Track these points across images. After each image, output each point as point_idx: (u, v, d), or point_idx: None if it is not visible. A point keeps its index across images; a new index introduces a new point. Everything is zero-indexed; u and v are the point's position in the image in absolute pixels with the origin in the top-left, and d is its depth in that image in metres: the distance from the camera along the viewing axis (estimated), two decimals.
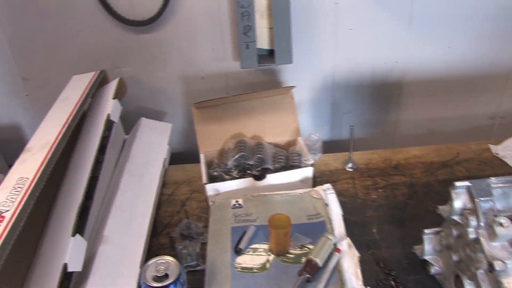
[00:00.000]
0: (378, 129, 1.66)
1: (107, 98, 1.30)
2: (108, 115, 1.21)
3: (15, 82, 1.55)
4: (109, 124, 1.23)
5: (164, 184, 1.41)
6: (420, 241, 1.09)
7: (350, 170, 1.41)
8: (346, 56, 1.50)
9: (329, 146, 1.37)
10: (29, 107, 1.60)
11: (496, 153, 1.42)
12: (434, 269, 1.05)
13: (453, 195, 0.94)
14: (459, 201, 0.94)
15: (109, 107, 1.24)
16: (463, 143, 1.49)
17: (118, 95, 1.33)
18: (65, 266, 0.90)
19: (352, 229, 1.15)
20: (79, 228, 1.01)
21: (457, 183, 0.93)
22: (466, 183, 0.93)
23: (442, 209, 1.00)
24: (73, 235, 0.95)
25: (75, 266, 0.93)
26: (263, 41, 1.39)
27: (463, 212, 0.94)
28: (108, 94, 1.31)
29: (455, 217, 0.95)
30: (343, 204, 1.19)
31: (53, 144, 1.08)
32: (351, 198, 1.32)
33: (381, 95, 1.59)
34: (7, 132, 1.65)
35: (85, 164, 1.12)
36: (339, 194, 1.24)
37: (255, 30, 1.34)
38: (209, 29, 1.44)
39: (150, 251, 1.19)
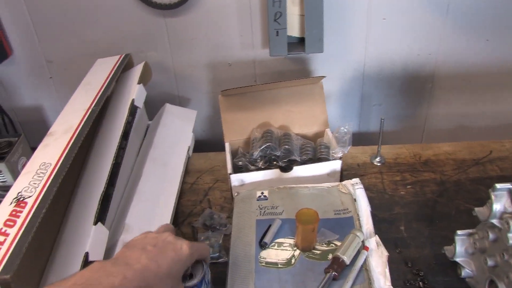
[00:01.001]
0: (407, 123, 1.61)
1: (131, 83, 1.27)
2: (133, 101, 1.19)
3: (39, 65, 1.53)
4: (133, 109, 1.20)
5: (186, 172, 1.39)
6: (450, 242, 1.06)
7: (378, 164, 1.37)
8: (378, 46, 1.45)
9: (356, 138, 1.33)
10: (53, 89, 1.59)
11: None
12: (465, 272, 1.01)
13: (493, 197, 0.89)
14: (499, 204, 0.89)
15: (134, 92, 1.22)
16: (497, 140, 1.44)
17: (143, 80, 1.30)
18: (86, 255, 0.88)
19: (380, 226, 1.11)
20: (101, 216, 0.99)
21: (498, 185, 0.88)
22: (508, 185, 0.88)
23: (479, 211, 0.96)
24: (95, 223, 0.93)
25: (96, 255, 0.92)
26: (293, 29, 1.34)
27: (503, 216, 0.89)
28: (133, 79, 1.28)
29: (494, 221, 0.90)
30: (370, 200, 1.15)
31: (76, 129, 1.05)
32: (378, 193, 1.28)
33: (412, 88, 1.54)
34: (30, 114, 1.64)
35: (109, 150, 1.09)
36: (367, 188, 1.20)
37: (286, 17, 1.29)
38: (238, 15, 1.40)
39: None
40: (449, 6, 1.37)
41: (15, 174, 1.29)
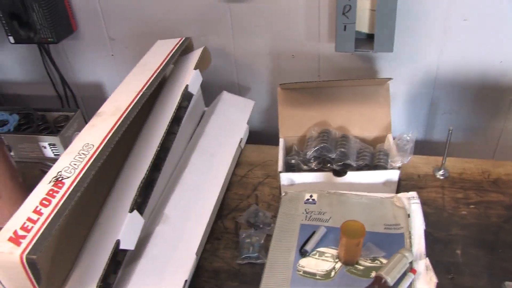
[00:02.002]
0: (478, 136, 1.49)
1: (188, 68, 1.23)
2: (187, 86, 1.15)
3: (102, 41, 1.53)
4: (187, 95, 1.17)
5: (238, 164, 1.35)
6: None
7: (441, 178, 1.27)
8: (455, 50, 1.33)
9: (419, 147, 1.24)
10: (114, 67, 1.59)
11: None
12: None
13: None
14: None
15: (189, 77, 1.18)
16: None
17: (201, 65, 1.26)
18: (117, 243, 0.86)
19: (433, 246, 1.02)
20: (141, 203, 0.96)
21: None
22: None
23: None
24: (131, 211, 0.91)
25: (128, 244, 0.89)
26: (363, 24, 1.26)
27: None
28: (190, 63, 1.24)
29: None
30: (427, 216, 1.06)
31: (125, 111, 1.03)
32: (437, 210, 1.18)
33: (490, 98, 1.41)
34: (92, 90, 1.66)
35: (156, 135, 1.06)
36: (424, 203, 1.11)
37: (355, 11, 1.21)
38: (305, 4, 1.33)
39: (212, 234, 1.14)
40: None
41: None
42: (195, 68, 1.21)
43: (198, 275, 1.05)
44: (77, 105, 1.67)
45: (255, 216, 1.16)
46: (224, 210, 1.21)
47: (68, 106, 1.66)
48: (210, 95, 1.43)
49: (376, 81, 1.26)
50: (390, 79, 1.23)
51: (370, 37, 1.27)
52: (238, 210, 1.21)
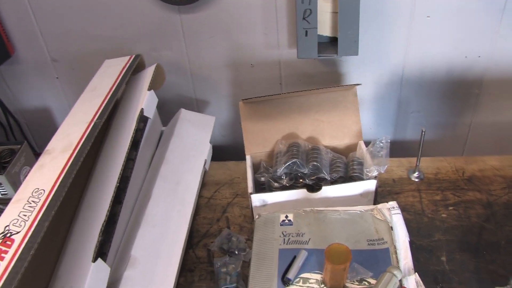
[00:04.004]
0: (448, 132, 1.46)
1: (141, 88, 1.14)
2: (142, 110, 1.06)
3: (44, 64, 1.42)
4: (143, 119, 1.08)
5: (203, 184, 1.27)
6: (501, 279, 0.93)
7: (416, 180, 1.23)
8: (420, 47, 1.29)
9: (391, 148, 1.19)
10: (60, 90, 1.48)
11: None
12: None
13: None
14: None
15: (143, 99, 1.09)
16: None
17: (155, 84, 1.17)
18: None
19: (418, 256, 0.97)
20: (103, 248, 0.87)
21: None
22: None
23: None
24: (94, 260, 0.81)
25: None
26: (325, 28, 1.20)
27: None
28: (143, 84, 1.15)
29: None
30: (407, 223, 1.02)
31: (76, 147, 0.93)
32: (416, 215, 1.14)
33: (457, 94, 1.38)
34: (38, 116, 1.54)
35: (113, 167, 0.97)
36: (403, 209, 1.06)
37: (316, 15, 1.14)
38: (262, 11, 1.26)
39: (185, 265, 1.07)
40: (506, 2, 1.20)
41: (17, 186, 1.18)
42: (149, 89, 1.12)
43: None
44: (24, 134, 1.55)
45: (228, 242, 1.09)
46: (194, 238, 1.13)
47: (13, 137, 1.54)
48: (167, 113, 1.35)
49: (342, 88, 1.20)
50: (358, 84, 1.18)
51: (333, 41, 1.22)
52: (209, 236, 1.13)
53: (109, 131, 1.10)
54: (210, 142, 1.31)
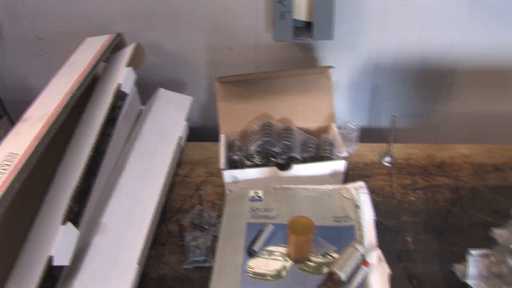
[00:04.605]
0: (421, 120, 1.48)
1: (120, 65, 1.16)
2: (119, 85, 1.08)
3: (27, 42, 1.43)
4: (120, 94, 1.10)
5: (180, 163, 1.29)
6: (462, 259, 0.94)
7: (388, 165, 1.26)
8: (394, 35, 1.32)
9: (365, 134, 1.21)
10: (43, 68, 1.48)
11: None
12: None
13: None
14: None
15: (121, 75, 1.11)
16: None
17: (134, 62, 1.19)
18: (50, 259, 0.79)
19: (384, 236, 1.00)
20: (76, 213, 0.89)
21: None
22: None
23: (498, 233, 0.84)
24: (64, 222, 0.83)
25: (62, 259, 0.82)
26: (300, 12, 1.22)
27: None
28: (122, 61, 1.17)
29: None
30: (376, 204, 1.04)
31: (52, 115, 0.94)
32: (386, 198, 1.17)
33: (430, 82, 1.41)
34: (20, 94, 1.55)
35: (88, 139, 0.99)
36: (373, 191, 1.09)
37: None
38: None
39: (157, 239, 1.09)
40: None
41: None
42: (127, 66, 1.13)
43: (143, 284, 0.99)
44: (5, 110, 1.56)
45: (200, 217, 1.11)
46: (168, 213, 1.15)
47: None
48: (146, 93, 1.36)
49: (317, 70, 1.23)
50: (331, 67, 1.20)
51: (309, 25, 1.24)
52: (181, 211, 1.15)
53: (88, 105, 1.11)
54: (189, 123, 1.33)
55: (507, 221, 0.80)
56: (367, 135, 1.43)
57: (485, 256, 0.89)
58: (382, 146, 1.31)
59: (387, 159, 1.26)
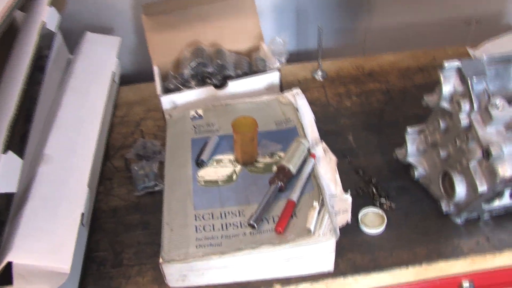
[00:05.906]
0: (347, 37, 1.53)
1: (42, 7, 1.12)
2: (43, 23, 1.04)
3: None
4: (46, 36, 1.06)
5: (116, 106, 1.28)
6: (400, 147, 1.00)
7: (320, 79, 1.29)
8: None
9: (295, 58, 1.24)
10: None
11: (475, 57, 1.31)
12: (418, 173, 0.96)
13: (442, 78, 0.82)
14: (448, 85, 0.83)
15: (45, 14, 1.07)
16: (440, 47, 1.38)
17: (55, 4, 1.15)
18: None
19: (326, 138, 1.03)
20: (18, 149, 0.86)
21: (447, 64, 0.81)
22: (456, 62, 0.81)
23: (428, 99, 0.89)
24: (4, 151, 0.81)
25: (8, 186, 0.80)
26: None
27: (453, 98, 0.82)
28: (42, 3, 1.13)
29: (444, 104, 0.84)
30: (314, 113, 1.07)
31: None
32: (322, 106, 1.21)
33: (350, 0, 1.45)
34: None
35: (15, 83, 0.95)
36: (310, 103, 1.11)
37: None
38: None
39: (104, 175, 1.08)
40: None
41: None
42: (49, 5, 1.10)
43: (96, 218, 0.99)
44: None
45: (144, 148, 1.10)
46: (111, 151, 1.14)
47: None
48: (72, 43, 1.32)
49: None
50: None
51: None
52: (124, 147, 1.15)
53: (13, 47, 1.07)
54: (121, 68, 1.31)
55: (436, 86, 0.85)
56: (297, 58, 1.46)
57: (420, 131, 0.94)
58: (313, 65, 1.34)
59: (319, 73, 1.30)
